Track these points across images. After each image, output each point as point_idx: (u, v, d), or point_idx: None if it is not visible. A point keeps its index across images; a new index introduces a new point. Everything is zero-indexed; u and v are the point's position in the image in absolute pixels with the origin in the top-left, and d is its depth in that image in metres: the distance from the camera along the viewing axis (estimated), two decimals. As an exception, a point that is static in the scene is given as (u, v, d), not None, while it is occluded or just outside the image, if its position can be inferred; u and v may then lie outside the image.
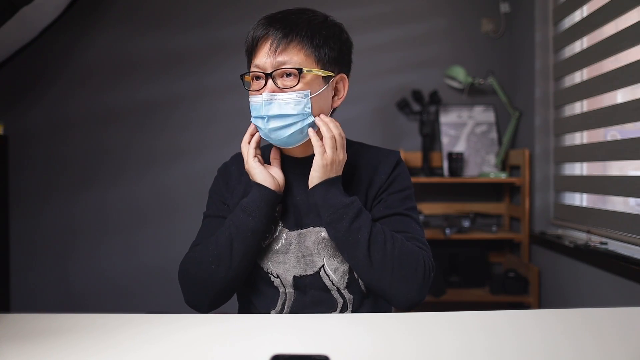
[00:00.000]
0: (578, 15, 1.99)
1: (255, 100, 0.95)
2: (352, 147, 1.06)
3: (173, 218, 2.50)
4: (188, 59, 2.52)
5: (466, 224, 2.24)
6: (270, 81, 0.93)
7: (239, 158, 1.09)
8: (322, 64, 0.96)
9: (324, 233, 1.00)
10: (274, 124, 0.93)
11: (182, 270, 1.00)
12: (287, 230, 1.01)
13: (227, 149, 1.12)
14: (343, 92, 1.02)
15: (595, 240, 1.76)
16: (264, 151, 1.07)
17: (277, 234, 1.01)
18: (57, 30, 2.40)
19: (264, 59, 0.93)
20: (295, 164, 1.03)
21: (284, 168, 1.04)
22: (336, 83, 1.01)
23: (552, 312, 0.86)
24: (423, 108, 2.39)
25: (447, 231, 2.20)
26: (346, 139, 1.05)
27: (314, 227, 1.01)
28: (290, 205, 1.02)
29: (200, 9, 2.51)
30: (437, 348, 0.70)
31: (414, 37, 2.51)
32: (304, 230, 1.01)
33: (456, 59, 2.47)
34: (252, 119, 0.98)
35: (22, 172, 2.52)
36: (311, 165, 0.97)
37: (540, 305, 2.12)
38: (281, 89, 0.93)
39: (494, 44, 2.49)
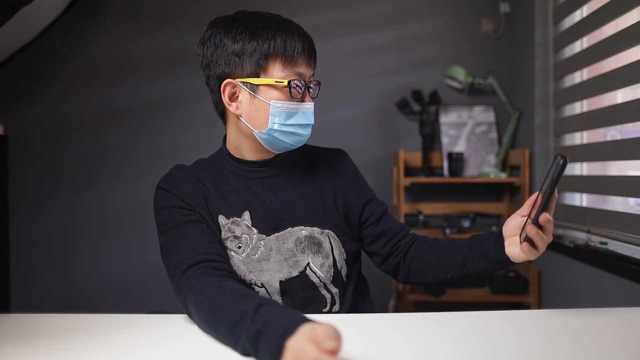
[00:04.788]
0: (578, 15, 1.99)
1: (306, 108, 0.97)
2: (301, 147, 1.04)
3: (173, 218, 2.50)
4: (191, 58, 2.50)
5: (466, 224, 2.24)
6: (305, 91, 0.97)
7: (182, 168, 1.05)
8: None
9: (304, 231, 0.98)
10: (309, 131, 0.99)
11: (184, 306, 0.83)
12: (264, 236, 0.96)
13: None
14: None
15: (595, 240, 1.76)
16: (197, 166, 1.07)
17: (253, 242, 0.96)
18: (57, 30, 2.40)
19: (305, 69, 0.96)
20: (256, 168, 1.02)
21: (243, 174, 1.01)
22: None
23: (552, 312, 0.86)
24: (423, 108, 2.39)
25: (447, 231, 2.20)
26: None
27: (292, 227, 0.98)
28: (261, 209, 0.97)
29: (203, 9, 2.51)
30: (436, 348, 0.70)
31: (413, 37, 2.51)
32: (281, 232, 0.97)
33: (456, 59, 2.47)
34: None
35: (23, 172, 2.52)
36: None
37: (540, 305, 2.12)
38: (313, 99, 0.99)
39: (493, 44, 2.49)
